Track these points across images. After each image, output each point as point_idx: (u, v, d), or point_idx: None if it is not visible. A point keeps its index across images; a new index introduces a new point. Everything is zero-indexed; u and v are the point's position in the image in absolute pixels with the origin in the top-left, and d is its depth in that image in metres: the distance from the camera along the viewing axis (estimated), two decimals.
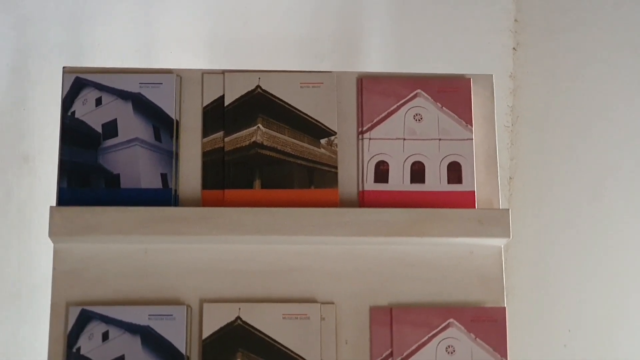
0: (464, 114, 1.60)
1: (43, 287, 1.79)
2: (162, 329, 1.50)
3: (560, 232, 2.11)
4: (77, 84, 1.58)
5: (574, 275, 2.08)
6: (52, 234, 1.50)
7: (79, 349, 1.49)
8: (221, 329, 1.51)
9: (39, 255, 1.95)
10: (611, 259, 2.06)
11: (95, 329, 1.50)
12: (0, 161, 1.91)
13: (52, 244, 1.55)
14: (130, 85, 1.58)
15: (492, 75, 1.64)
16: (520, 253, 2.11)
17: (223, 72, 1.60)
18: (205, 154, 1.57)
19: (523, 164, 2.22)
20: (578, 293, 2.08)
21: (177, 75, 1.59)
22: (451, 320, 1.53)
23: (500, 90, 2.10)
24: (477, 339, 1.52)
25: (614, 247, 2.07)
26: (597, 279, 2.08)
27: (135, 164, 1.55)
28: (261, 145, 1.57)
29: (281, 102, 1.58)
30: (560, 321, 2.08)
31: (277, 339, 1.50)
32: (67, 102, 1.57)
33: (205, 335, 1.50)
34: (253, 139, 1.57)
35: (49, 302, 1.54)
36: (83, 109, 1.57)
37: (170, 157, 1.56)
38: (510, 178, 2.24)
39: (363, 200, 1.56)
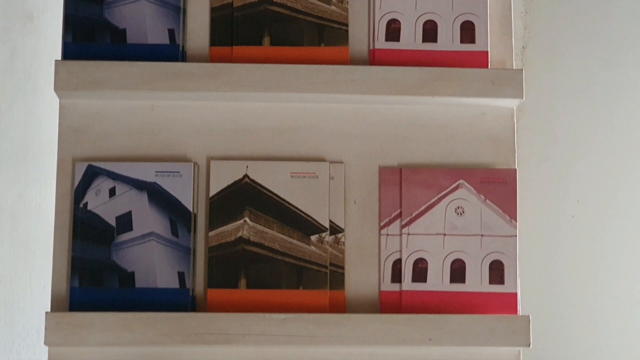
0: None
1: (49, 147, 1.77)
2: (169, 185, 1.48)
3: (572, 102, 2.08)
4: None
5: (585, 144, 2.06)
6: (57, 88, 1.48)
7: (85, 205, 1.48)
8: (228, 186, 1.49)
9: (45, 115, 1.93)
10: (623, 128, 2.04)
11: (102, 185, 1.49)
12: (4, 20, 1.87)
13: (57, 102, 1.52)
14: None
15: None
16: (531, 122, 2.08)
17: None
18: (213, 10, 1.54)
19: (537, 33, 2.18)
20: (588, 163, 2.06)
21: None
22: (461, 181, 1.51)
23: None
24: (487, 200, 1.50)
25: (625, 118, 2.04)
26: (608, 149, 2.05)
27: (141, 19, 1.52)
28: (270, 2, 1.53)
29: None
30: (569, 192, 2.07)
31: (285, 198, 1.49)
32: None
33: (212, 192, 1.49)
34: None
35: (56, 160, 1.52)
36: None
37: (177, 12, 1.52)
38: (523, 47, 2.20)
39: (374, 58, 1.53)
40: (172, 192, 1.48)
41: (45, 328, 1.42)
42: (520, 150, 1.55)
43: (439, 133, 1.54)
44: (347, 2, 1.54)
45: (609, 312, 1.98)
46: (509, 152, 1.53)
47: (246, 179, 1.49)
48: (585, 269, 2.00)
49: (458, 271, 1.49)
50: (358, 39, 1.55)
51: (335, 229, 1.49)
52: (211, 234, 1.48)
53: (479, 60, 1.53)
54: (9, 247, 1.90)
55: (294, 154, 1.52)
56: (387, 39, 1.54)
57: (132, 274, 1.46)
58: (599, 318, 1.98)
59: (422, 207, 1.50)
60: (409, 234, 1.49)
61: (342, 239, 1.49)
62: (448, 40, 1.54)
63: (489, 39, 1.54)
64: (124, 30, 1.51)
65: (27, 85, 1.93)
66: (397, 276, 1.49)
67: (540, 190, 2.07)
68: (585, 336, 1.97)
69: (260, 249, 1.47)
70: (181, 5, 1.52)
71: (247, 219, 1.48)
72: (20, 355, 1.92)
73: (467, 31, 1.54)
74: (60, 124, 1.52)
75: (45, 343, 1.42)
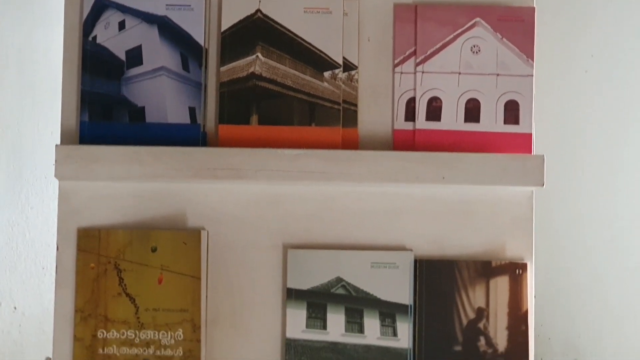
0: None
1: None
2: (180, 19, 1.45)
3: None
4: None
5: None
6: None
7: (95, 38, 1.45)
8: (240, 21, 1.46)
9: None
10: None
11: (111, 17, 1.45)
12: None
13: None
14: None
15: None
16: None
17: None
18: None
19: None
20: (603, 17, 2.02)
21: None
22: (478, 19, 1.48)
23: None
24: (504, 38, 1.47)
25: None
26: (625, 3, 2.02)
27: None
28: None
29: None
30: (584, 46, 2.04)
31: (297, 34, 1.46)
32: None
33: (224, 27, 1.46)
34: None
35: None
36: None
37: None
38: None
39: None
40: (183, 26, 1.45)
41: (56, 161, 1.40)
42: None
43: None
44: None
45: (618, 154, 1.97)
46: None
47: (259, 14, 1.46)
48: (598, 120, 1.99)
49: (472, 110, 1.47)
50: None
51: (348, 66, 1.47)
52: (223, 69, 1.45)
53: None
54: (17, 92, 1.88)
55: None
56: None
57: (142, 108, 1.44)
58: (608, 160, 1.98)
59: (437, 45, 1.47)
60: (423, 72, 1.47)
61: (356, 76, 1.47)
62: None
63: None
64: None
65: None
66: (410, 115, 1.47)
67: (554, 40, 2.04)
68: (597, 176, 1.96)
69: (272, 85, 1.45)
70: None
71: (259, 54, 1.45)
72: (29, 201, 1.92)
73: None
74: None
75: (56, 176, 1.41)
